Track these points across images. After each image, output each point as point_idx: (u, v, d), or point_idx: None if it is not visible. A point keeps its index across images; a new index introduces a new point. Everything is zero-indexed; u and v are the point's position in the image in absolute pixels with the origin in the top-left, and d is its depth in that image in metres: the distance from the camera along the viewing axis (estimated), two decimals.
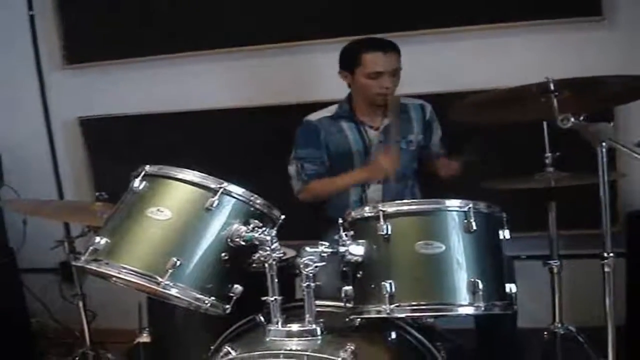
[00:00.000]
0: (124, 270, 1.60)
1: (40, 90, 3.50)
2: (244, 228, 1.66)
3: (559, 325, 2.31)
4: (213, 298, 1.64)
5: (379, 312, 1.62)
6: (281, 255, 1.65)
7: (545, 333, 2.33)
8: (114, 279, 1.67)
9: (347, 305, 1.71)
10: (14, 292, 3.28)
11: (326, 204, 2.64)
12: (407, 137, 2.60)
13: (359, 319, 1.72)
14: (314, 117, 2.63)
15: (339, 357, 1.54)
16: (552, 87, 1.86)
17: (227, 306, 1.68)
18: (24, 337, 3.26)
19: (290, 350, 1.59)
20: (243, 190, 1.70)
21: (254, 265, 1.67)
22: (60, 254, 2.64)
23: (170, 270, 1.57)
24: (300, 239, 1.85)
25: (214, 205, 1.64)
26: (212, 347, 1.83)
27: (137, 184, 1.70)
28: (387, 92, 2.46)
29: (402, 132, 2.59)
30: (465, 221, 1.65)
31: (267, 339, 1.65)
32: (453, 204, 1.68)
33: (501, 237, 1.74)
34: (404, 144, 2.59)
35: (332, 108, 2.64)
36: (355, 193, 2.60)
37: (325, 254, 1.67)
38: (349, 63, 2.51)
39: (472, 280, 1.60)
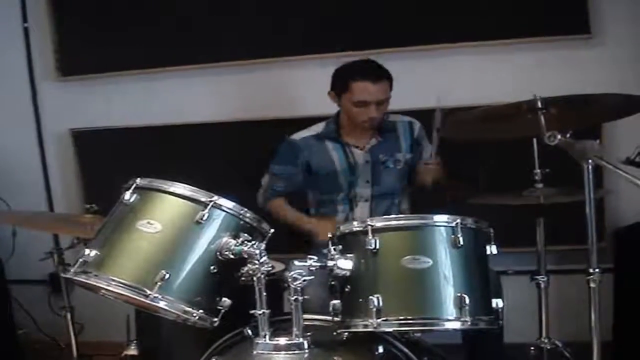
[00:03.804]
0: (113, 283, 1.60)
1: (32, 101, 3.50)
2: (233, 241, 1.66)
3: (546, 340, 2.31)
4: (201, 311, 1.64)
5: (366, 326, 1.63)
6: (270, 268, 1.65)
7: (532, 348, 2.33)
8: (102, 291, 1.67)
9: (335, 319, 1.71)
10: (1, 303, 3.25)
11: None
12: (394, 155, 2.60)
13: (346, 333, 1.72)
14: (297, 136, 2.63)
15: None
16: (539, 104, 1.88)
17: (215, 319, 1.68)
18: (10, 349, 3.22)
19: None
20: (233, 203, 1.70)
21: (243, 278, 1.67)
22: (49, 265, 2.62)
23: (159, 283, 1.58)
24: (289, 253, 1.86)
25: (204, 218, 1.65)
26: None
27: (128, 196, 1.70)
28: (372, 121, 2.48)
29: (389, 150, 2.60)
30: (453, 236, 1.66)
31: (255, 352, 1.65)
32: (441, 219, 1.69)
33: (488, 252, 1.75)
34: (391, 162, 2.60)
35: (318, 127, 2.63)
36: (343, 211, 2.62)
37: (313, 268, 1.68)
38: (338, 87, 2.50)
39: (459, 295, 1.61)
